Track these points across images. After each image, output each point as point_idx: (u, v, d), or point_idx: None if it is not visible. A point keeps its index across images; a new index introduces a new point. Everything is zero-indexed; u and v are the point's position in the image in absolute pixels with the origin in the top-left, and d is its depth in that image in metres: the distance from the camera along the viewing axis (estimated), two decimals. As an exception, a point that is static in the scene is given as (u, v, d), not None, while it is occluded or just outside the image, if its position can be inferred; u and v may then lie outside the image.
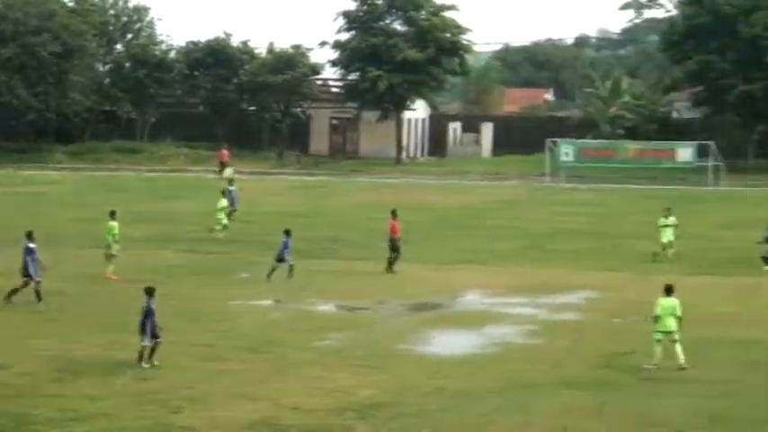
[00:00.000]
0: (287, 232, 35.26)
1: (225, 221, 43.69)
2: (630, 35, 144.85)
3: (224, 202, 44.18)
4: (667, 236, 39.49)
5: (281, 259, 34.76)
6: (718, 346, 25.44)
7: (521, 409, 20.55)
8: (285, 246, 34.82)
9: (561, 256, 40.37)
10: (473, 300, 32.81)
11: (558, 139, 74.54)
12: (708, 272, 36.62)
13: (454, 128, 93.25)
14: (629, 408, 20.66)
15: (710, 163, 69.62)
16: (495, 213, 53.70)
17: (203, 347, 25.29)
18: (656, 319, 23.82)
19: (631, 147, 74.58)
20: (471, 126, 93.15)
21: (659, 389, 21.98)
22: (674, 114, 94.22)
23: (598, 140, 78.93)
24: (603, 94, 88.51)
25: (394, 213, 37.39)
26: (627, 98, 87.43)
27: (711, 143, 70.84)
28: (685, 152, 71.64)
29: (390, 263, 36.29)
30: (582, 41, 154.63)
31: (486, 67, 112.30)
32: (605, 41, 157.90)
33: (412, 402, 21.03)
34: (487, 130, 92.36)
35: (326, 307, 31.54)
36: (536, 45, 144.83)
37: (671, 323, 23.62)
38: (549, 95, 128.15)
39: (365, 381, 22.56)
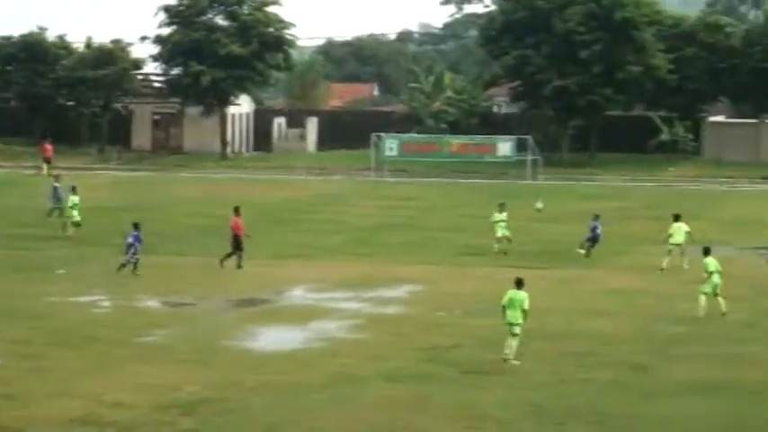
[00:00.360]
0: (135, 226, 34.86)
1: (77, 218, 42.48)
2: (451, 30, 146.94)
3: (75, 199, 42.86)
4: (501, 230, 40.06)
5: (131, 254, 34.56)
6: (536, 339, 25.98)
7: (346, 403, 20.67)
8: (136, 239, 34.43)
9: (385, 250, 40.72)
10: (299, 295, 32.82)
11: (383, 134, 75.12)
12: (526, 265, 37.30)
13: (279, 123, 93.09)
14: (453, 401, 20.94)
15: (529, 157, 71.10)
16: (321, 208, 53.82)
17: (19, 344, 24.73)
18: (503, 309, 24.13)
19: (454, 141, 75.60)
20: (296, 121, 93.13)
21: (482, 382, 22.34)
22: (495, 109, 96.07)
23: (422, 135, 79.88)
24: (427, 88, 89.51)
25: (237, 210, 37.12)
26: (449, 93, 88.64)
27: (529, 137, 72.36)
28: (505, 147, 72.99)
29: (227, 256, 35.97)
30: (404, 36, 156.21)
31: (310, 62, 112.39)
32: (427, 36, 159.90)
33: (237, 398, 20.96)
34: (312, 124, 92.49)
35: (150, 303, 31.16)
36: (359, 40, 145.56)
37: (516, 315, 23.91)
38: (374, 90, 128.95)
39: (190, 376, 22.38)
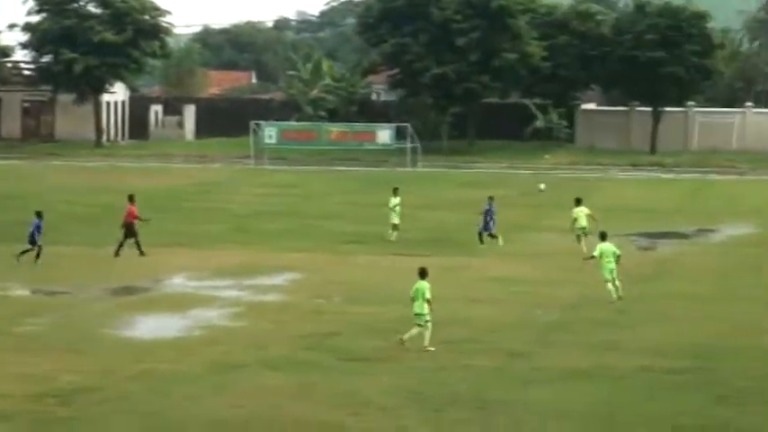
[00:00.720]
0: (38, 214, 34.14)
1: None
2: (329, 18, 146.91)
3: None
4: (397, 217, 39.95)
5: (32, 242, 33.75)
6: (412, 325, 26.04)
7: (227, 391, 20.48)
8: (37, 228, 33.77)
9: (265, 238, 40.52)
10: (179, 283, 32.45)
11: (262, 122, 74.74)
12: (408, 252, 37.45)
13: (156, 110, 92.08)
14: (334, 388, 20.88)
15: (408, 145, 71.40)
16: (201, 196, 53.34)
17: None
18: (412, 300, 24.07)
19: (334, 129, 75.58)
20: (174, 109, 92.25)
21: (363, 369, 22.30)
22: (374, 97, 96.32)
23: (301, 123, 79.72)
24: (305, 76, 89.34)
25: (131, 198, 36.65)
26: (328, 80, 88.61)
27: (408, 125, 72.64)
28: (384, 134, 73.17)
29: (121, 245, 35.69)
30: (282, 24, 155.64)
31: (186, 49, 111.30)
32: (305, 24, 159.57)
33: (115, 386, 20.64)
34: (190, 112, 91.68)
35: (23, 291, 30.58)
36: (236, 27, 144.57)
37: (420, 306, 23.90)
38: (252, 78, 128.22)
39: (66, 366, 21.96)
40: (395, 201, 40.30)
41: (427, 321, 23.84)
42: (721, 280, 32.42)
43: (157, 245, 37.91)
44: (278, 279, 32.75)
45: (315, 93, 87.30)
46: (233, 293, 30.49)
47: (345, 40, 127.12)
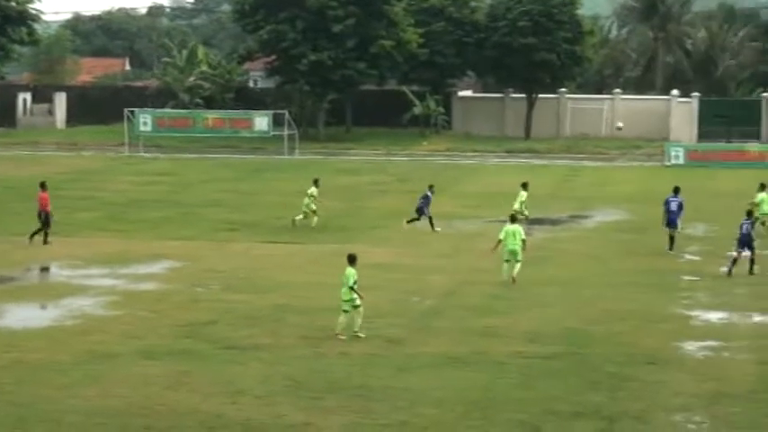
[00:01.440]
0: None
1: None
2: (203, 4, 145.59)
3: None
4: (314, 204, 39.81)
5: None
6: (294, 314, 26.00)
7: (101, 381, 20.21)
8: None
9: (141, 226, 40.01)
10: (51, 272, 31.93)
11: (136, 109, 73.69)
12: (285, 239, 37.37)
13: (24, 98, 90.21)
14: (210, 376, 20.74)
15: (285, 132, 71.12)
16: (73, 184, 52.36)
17: None
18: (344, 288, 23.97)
19: (210, 116, 74.84)
20: (43, 96, 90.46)
21: (240, 357, 22.18)
22: (251, 84, 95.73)
23: (176, 110, 78.83)
24: (180, 63, 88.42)
25: (43, 185, 36.16)
26: (204, 68, 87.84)
27: (285, 112, 72.35)
28: (261, 121, 72.66)
29: (45, 234, 35.34)
30: (156, 11, 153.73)
31: (56, 36, 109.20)
32: (179, 11, 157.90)
33: (-15, 378, 20.20)
34: (61, 100, 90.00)
35: None
36: (109, 14, 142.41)
37: (347, 292, 23.77)
38: (125, 65, 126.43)
39: (-65, 360, 21.41)
40: (314, 190, 40.15)
41: (355, 307, 23.74)
42: (594, 266, 32.94)
43: (27, 234, 37.16)
44: (155, 268, 32.35)
45: (191, 80, 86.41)
46: (108, 282, 30.02)
47: (221, 27, 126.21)
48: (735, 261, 31.45)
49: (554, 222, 42.21)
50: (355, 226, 40.09)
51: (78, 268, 32.01)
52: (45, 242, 35.31)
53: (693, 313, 26.47)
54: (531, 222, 40.26)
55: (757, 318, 25.85)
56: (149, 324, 24.95)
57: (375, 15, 77.25)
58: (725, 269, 31.56)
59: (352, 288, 23.69)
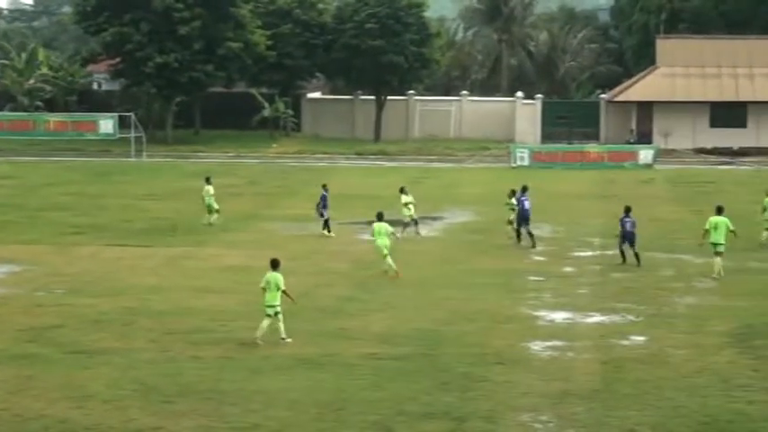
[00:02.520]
0: None
1: None
2: (44, 6, 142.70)
3: None
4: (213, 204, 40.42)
5: None
6: (143, 317, 25.71)
7: (-58, 391, 19.64)
8: None
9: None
10: None
11: (-27, 112, 71.88)
12: (133, 242, 36.88)
13: None
14: (56, 381, 20.37)
15: (132, 135, 70.18)
16: None
17: None
18: (263, 291, 23.80)
19: (52, 119, 73.59)
20: None
21: (87, 362, 21.84)
22: (95, 86, 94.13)
23: (15, 113, 77.17)
24: (19, 65, 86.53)
25: None
26: (45, 70, 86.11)
27: (131, 115, 71.46)
28: (107, 124, 71.77)
29: None
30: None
31: None
32: (18, 13, 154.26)
33: None
34: None
35: None
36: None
37: (273, 297, 23.63)
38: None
39: None
40: (209, 188, 40.56)
41: (277, 313, 23.66)
42: (444, 267, 33.29)
43: None
44: (-5, 272, 31.59)
45: (31, 82, 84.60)
46: (-54, 289, 29.23)
47: (63, 29, 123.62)
48: (623, 253, 33.10)
49: (405, 224, 42.49)
50: (207, 229, 39.77)
51: None
52: None
53: (539, 313, 26.96)
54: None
55: (598, 317, 26.46)
56: (-9, 330, 24.35)
57: (222, 17, 76.73)
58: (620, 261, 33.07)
59: (284, 292, 23.69)
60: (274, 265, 24.03)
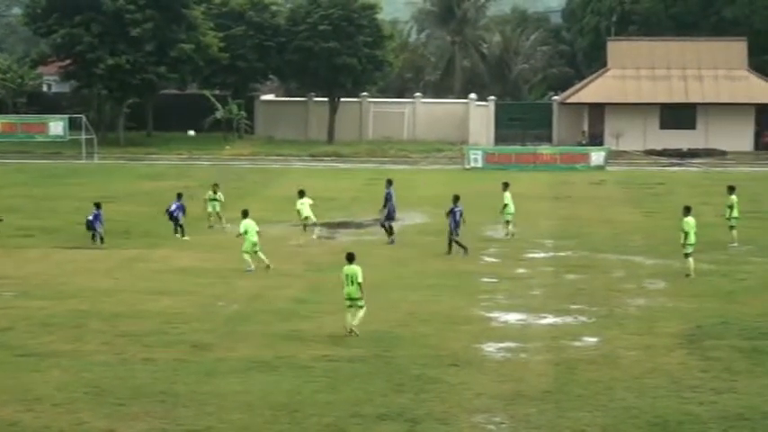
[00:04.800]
0: None
1: None
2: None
3: None
4: (215, 207, 41.07)
5: None
6: (95, 319, 25.58)
7: None
8: None
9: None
10: None
11: None
12: (83, 245, 36.66)
13: None
14: (5, 384, 20.25)
15: (83, 136, 69.76)
16: None
17: None
18: (344, 286, 24.22)
19: (0, 121, 72.95)
20: None
21: (36, 364, 21.70)
22: (45, 88, 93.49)
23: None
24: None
25: None
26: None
27: (82, 116, 71.09)
28: (57, 126, 71.30)
29: None
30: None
31: None
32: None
33: None
34: None
35: None
36: None
37: (352, 290, 24.02)
38: None
39: None
40: (212, 195, 41.39)
41: (360, 306, 24.14)
42: (398, 268, 33.33)
43: None
44: (-58, 276, 31.30)
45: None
46: None
47: (12, 30, 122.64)
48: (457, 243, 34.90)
49: (358, 226, 42.57)
50: (159, 231, 39.60)
51: None
52: None
53: (493, 315, 27.07)
54: (336, 226, 40.61)
55: (551, 319, 26.62)
56: (-61, 334, 24.15)
57: (174, 19, 76.43)
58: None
59: (360, 285, 24.10)
60: (350, 258, 24.48)
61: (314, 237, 38.25)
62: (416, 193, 53.45)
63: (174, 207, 38.78)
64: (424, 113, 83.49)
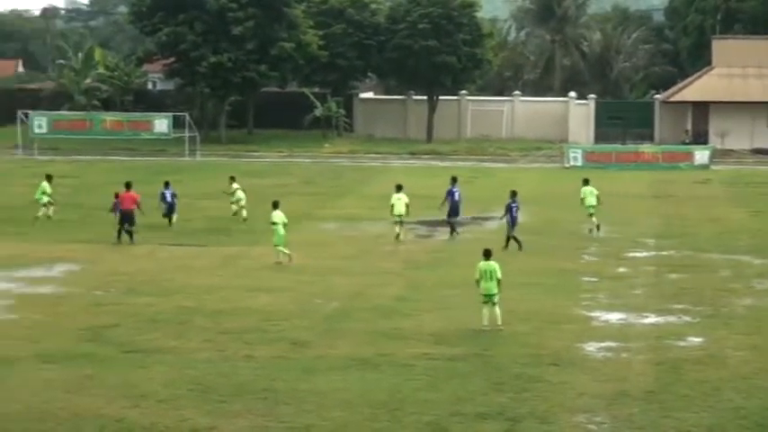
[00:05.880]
0: None
1: None
2: (100, 6, 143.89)
3: None
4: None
5: None
6: (198, 316, 25.79)
7: None
8: None
9: (38, 229, 39.37)
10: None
11: (30, 111, 72.56)
12: (188, 242, 37.06)
13: None
14: (113, 380, 20.46)
15: (186, 134, 70.59)
16: (-35, 187, 51.43)
17: None
18: (477, 282, 24.50)
19: (108, 118, 74.12)
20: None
21: (143, 361, 21.91)
22: (150, 86, 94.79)
23: (72, 112, 77.73)
24: (77, 65, 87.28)
25: (128, 185, 37.19)
26: (101, 69, 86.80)
27: (186, 114, 71.89)
28: (161, 123, 72.07)
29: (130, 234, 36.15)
30: (50, 12, 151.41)
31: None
32: (75, 12, 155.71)
33: None
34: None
35: None
36: (1, 15, 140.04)
37: (491, 286, 24.36)
38: (18, 67, 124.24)
39: None
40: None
41: (495, 303, 24.49)
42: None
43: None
44: (53, 271, 31.87)
45: (87, 82, 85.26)
46: (2, 285, 29.45)
47: (119, 29, 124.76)
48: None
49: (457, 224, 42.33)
50: (260, 228, 39.77)
51: (-30, 271, 31.34)
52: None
53: (594, 314, 26.76)
54: (435, 224, 40.47)
55: (654, 318, 26.21)
56: (48, 328, 24.53)
57: (275, 17, 76.97)
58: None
59: (499, 281, 24.43)
60: (487, 254, 24.79)
61: (399, 235, 37.87)
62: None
63: (168, 194, 40.58)
64: (522, 112, 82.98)
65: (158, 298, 27.77)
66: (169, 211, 40.28)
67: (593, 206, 39.36)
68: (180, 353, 22.54)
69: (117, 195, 37.74)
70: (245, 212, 41.59)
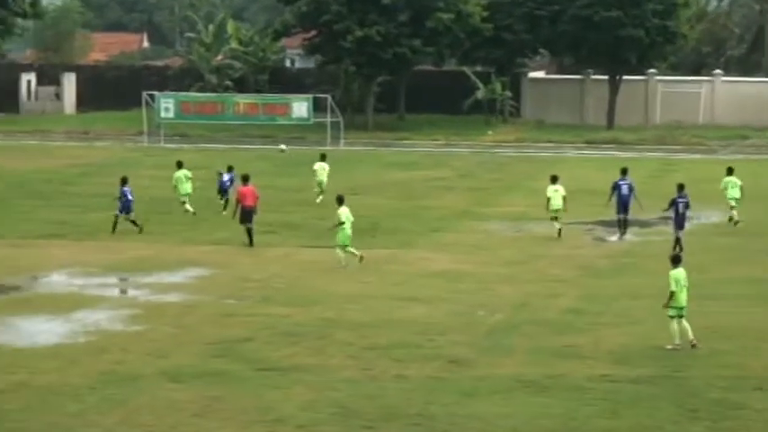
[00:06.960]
0: None
1: None
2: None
3: None
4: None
5: None
6: (341, 329, 25.96)
7: (120, 407, 20.31)
8: None
9: (165, 229, 40.22)
10: (60, 280, 32.12)
11: (157, 93, 74.03)
12: (325, 244, 37.32)
13: (28, 80, 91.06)
14: (245, 402, 20.79)
15: (329, 119, 71.20)
16: (84, 179, 52.88)
17: None
18: (672, 295, 24.55)
19: (241, 101, 74.92)
20: (50, 77, 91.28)
21: (279, 380, 22.20)
22: (288, 63, 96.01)
23: (203, 94, 79.09)
24: (207, 39, 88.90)
25: (245, 179, 38.39)
26: (234, 44, 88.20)
27: (328, 97, 72.40)
28: (301, 107, 72.48)
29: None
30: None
31: (64, 7, 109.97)
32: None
33: (-13, 402, 20.41)
34: (70, 82, 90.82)
35: None
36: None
37: (684, 298, 24.61)
38: (143, 41, 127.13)
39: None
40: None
41: (683, 315, 24.60)
42: (691, 275, 32.52)
43: (33, 236, 37.59)
44: (181, 276, 32.54)
45: (219, 59, 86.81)
46: (127, 293, 30.20)
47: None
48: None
49: (643, 225, 41.97)
50: (412, 228, 40.10)
51: (93, 276, 32.22)
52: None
53: (809, 332, 26.26)
54: (616, 224, 40.18)
55: None
56: (175, 341, 25.08)
57: (432, -17, 77.09)
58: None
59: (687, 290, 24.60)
60: (676, 261, 24.92)
61: (561, 230, 37.95)
62: (715, 186, 52.28)
63: (227, 178, 43.38)
64: (725, 94, 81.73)
65: (296, 308, 28.13)
66: (223, 194, 43.32)
67: (735, 198, 40.09)
68: (320, 371, 22.80)
69: (239, 191, 38.39)
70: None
